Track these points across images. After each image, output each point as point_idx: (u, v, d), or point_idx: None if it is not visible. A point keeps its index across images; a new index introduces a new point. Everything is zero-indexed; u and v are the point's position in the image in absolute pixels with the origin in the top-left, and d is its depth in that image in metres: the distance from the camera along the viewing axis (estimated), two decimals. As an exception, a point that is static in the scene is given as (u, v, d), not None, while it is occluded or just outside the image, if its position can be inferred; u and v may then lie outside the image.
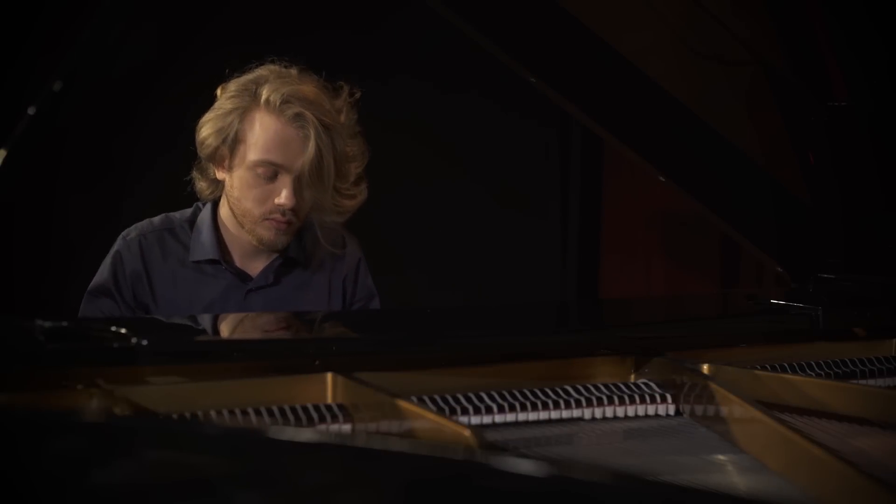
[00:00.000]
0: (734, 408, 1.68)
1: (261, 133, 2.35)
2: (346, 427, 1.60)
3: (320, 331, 2.10)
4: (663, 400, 1.80)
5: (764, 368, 1.88)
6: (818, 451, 1.47)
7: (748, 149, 2.50)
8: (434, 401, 1.67)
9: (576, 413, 1.75)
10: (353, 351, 1.76)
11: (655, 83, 2.38)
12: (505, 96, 3.96)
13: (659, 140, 2.47)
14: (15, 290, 3.24)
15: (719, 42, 2.42)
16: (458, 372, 1.74)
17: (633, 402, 1.79)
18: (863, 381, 1.96)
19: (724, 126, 2.45)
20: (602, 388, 1.79)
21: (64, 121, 1.86)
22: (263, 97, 2.35)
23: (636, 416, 1.79)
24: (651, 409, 1.79)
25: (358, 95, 2.47)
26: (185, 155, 2.52)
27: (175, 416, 1.51)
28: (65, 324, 1.57)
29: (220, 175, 2.44)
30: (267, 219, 2.39)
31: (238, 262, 2.48)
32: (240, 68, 2.43)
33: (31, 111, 1.79)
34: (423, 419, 1.53)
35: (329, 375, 1.65)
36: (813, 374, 1.93)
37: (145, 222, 2.49)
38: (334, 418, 1.59)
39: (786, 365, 1.93)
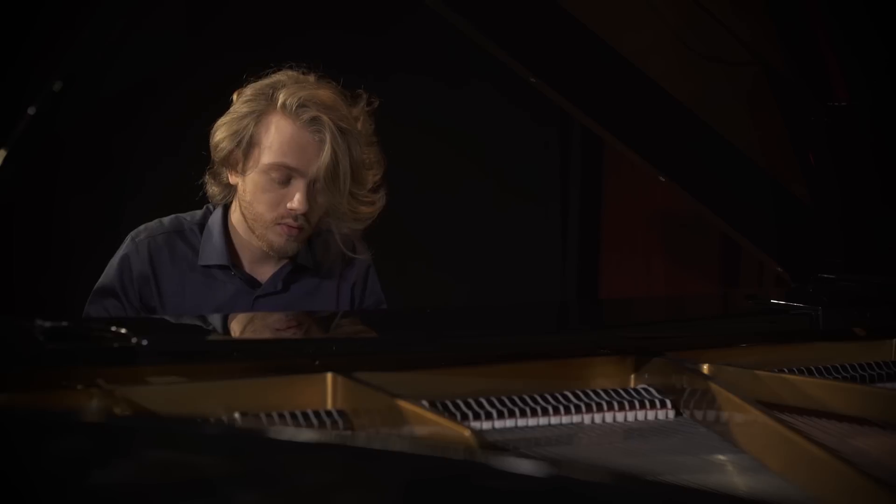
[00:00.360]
0: (734, 408, 1.68)
1: (276, 136, 2.34)
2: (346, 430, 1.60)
3: (320, 331, 2.10)
4: (663, 406, 1.80)
5: (764, 369, 1.88)
6: (818, 451, 1.47)
7: (748, 149, 2.50)
8: (434, 405, 1.66)
9: (575, 419, 1.74)
10: (353, 351, 1.76)
11: (655, 83, 2.38)
12: (505, 96, 3.97)
13: (659, 140, 2.47)
14: (15, 290, 3.24)
15: (719, 42, 2.42)
16: (458, 372, 1.74)
17: (632, 407, 1.78)
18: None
19: (724, 126, 2.45)
20: (602, 393, 1.78)
21: (64, 121, 1.85)
22: (280, 101, 2.33)
23: (636, 420, 1.79)
24: (651, 415, 1.79)
25: (377, 104, 2.45)
26: (187, 156, 2.52)
27: (175, 416, 1.51)
28: (65, 324, 1.57)
29: (233, 179, 2.41)
30: (279, 224, 2.37)
31: (247, 267, 2.46)
32: (257, 73, 2.41)
33: (31, 111, 1.79)
34: (423, 419, 1.53)
35: (329, 375, 1.65)
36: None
37: (155, 223, 2.47)
38: (334, 425, 1.59)
39: (785, 369, 1.93)
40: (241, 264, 2.46)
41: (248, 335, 2.00)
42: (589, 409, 1.75)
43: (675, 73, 2.43)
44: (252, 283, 2.46)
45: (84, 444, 1.19)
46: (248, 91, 2.39)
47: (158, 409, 1.53)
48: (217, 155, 2.40)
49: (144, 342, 1.57)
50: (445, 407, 1.67)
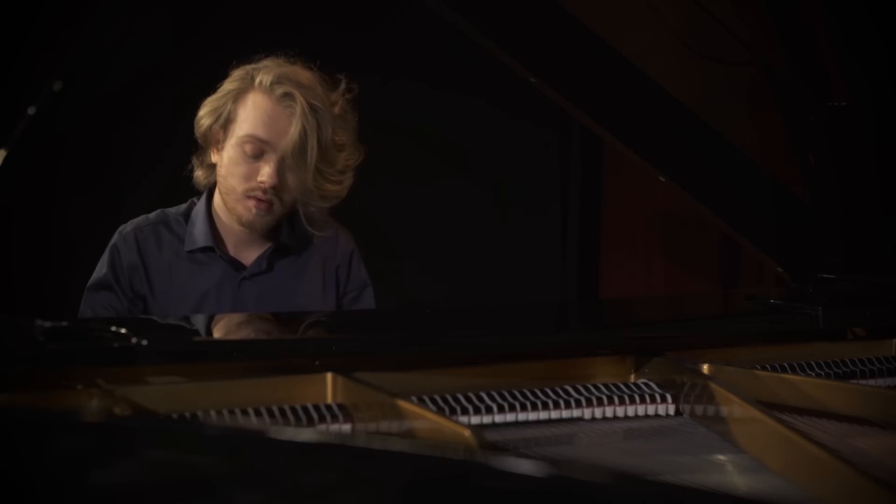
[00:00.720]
0: (734, 408, 1.68)
1: (251, 110, 2.42)
2: (346, 427, 1.60)
3: (320, 331, 2.10)
4: (663, 400, 1.80)
5: (764, 368, 1.88)
6: (818, 451, 1.47)
7: (748, 149, 2.50)
8: (434, 401, 1.67)
9: (576, 413, 1.75)
10: (352, 351, 1.76)
11: (655, 83, 2.38)
12: (505, 96, 3.96)
13: (659, 140, 2.47)
14: (15, 290, 3.24)
15: (719, 42, 2.42)
16: (458, 372, 1.74)
17: (633, 402, 1.79)
18: (863, 382, 1.96)
19: (725, 126, 2.45)
20: (602, 388, 1.79)
21: (64, 121, 1.86)
22: (258, 79, 2.42)
23: (636, 416, 1.79)
24: (651, 409, 1.79)
25: (356, 91, 2.50)
26: (187, 156, 2.53)
27: (175, 416, 1.51)
28: (65, 324, 1.57)
29: (214, 157, 2.49)
30: (249, 196, 2.43)
31: (232, 251, 2.52)
32: (248, 60, 2.48)
33: (31, 111, 1.79)
34: (423, 419, 1.53)
35: (329, 375, 1.65)
36: (813, 374, 1.93)
37: (140, 217, 2.54)
38: (334, 418, 1.59)
39: (786, 365, 1.93)
40: (226, 247, 2.52)
41: (249, 335, 2.00)
42: (589, 404, 1.75)
43: (675, 73, 2.43)
44: (237, 265, 2.51)
45: (84, 444, 1.19)
46: (234, 73, 2.48)
47: (158, 409, 1.53)
48: (198, 131, 2.48)
49: (144, 342, 1.57)
50: (445, 401, 1.67)
